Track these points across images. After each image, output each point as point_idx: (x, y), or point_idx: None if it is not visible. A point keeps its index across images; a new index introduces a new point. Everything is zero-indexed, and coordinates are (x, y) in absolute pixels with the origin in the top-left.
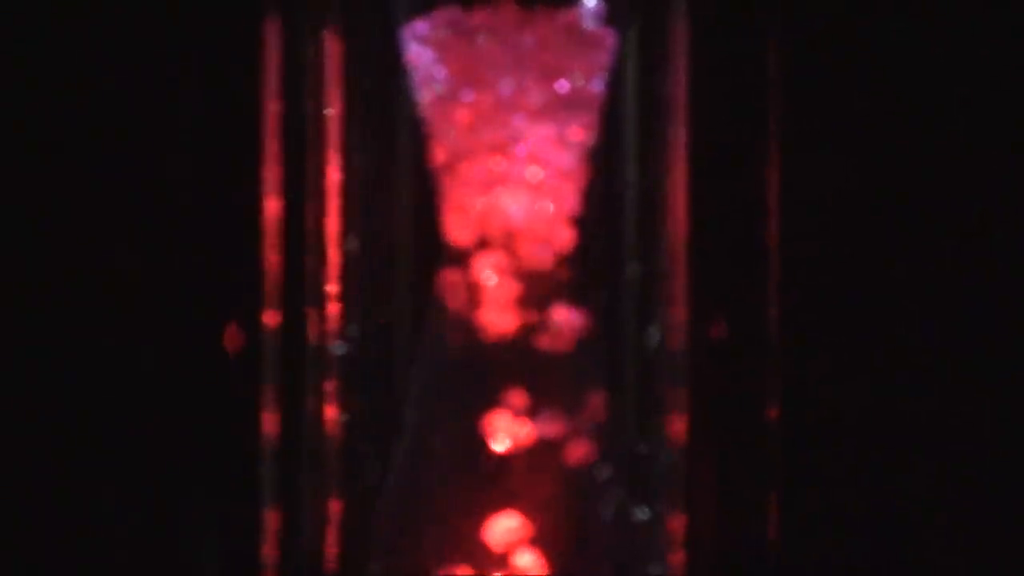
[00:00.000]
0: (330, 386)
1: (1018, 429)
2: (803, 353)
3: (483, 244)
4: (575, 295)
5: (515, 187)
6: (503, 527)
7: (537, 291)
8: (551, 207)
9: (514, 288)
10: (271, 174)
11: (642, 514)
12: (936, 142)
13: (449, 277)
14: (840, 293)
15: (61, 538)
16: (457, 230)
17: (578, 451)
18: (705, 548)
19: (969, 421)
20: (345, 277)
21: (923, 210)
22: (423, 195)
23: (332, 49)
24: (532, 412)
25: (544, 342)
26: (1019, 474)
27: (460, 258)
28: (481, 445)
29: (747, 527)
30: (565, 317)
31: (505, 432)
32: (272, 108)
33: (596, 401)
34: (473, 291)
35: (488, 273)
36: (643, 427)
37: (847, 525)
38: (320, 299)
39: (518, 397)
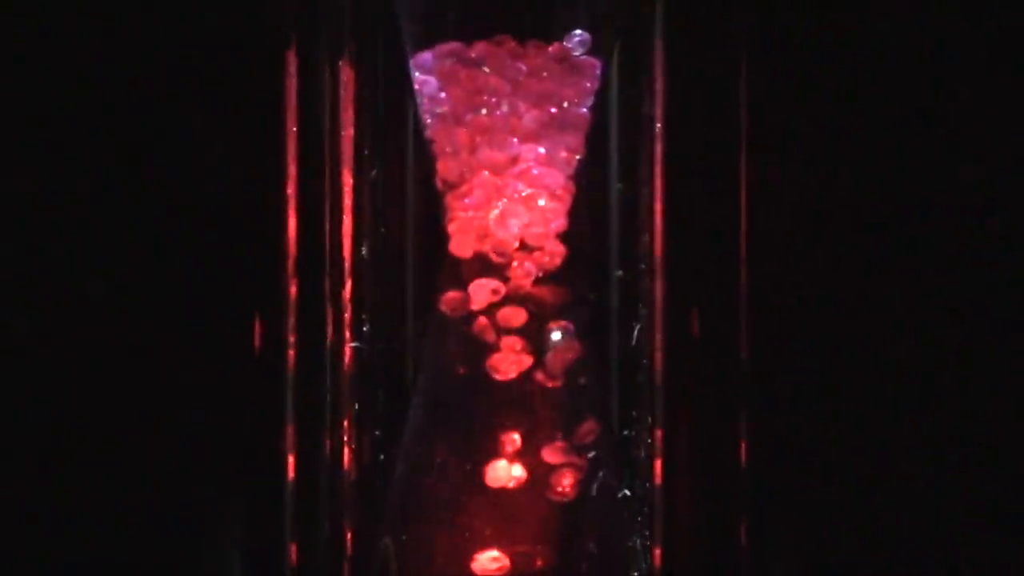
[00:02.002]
0: (347, 422)
1: (996, 441)
2: (774, 353)
3: (484, 265)
4: (566, 312)
5: (512, 204)
6: (488, 558)
7: (534, 312)
8: (544, 224)
9: (512, 309)
10: (290, 190)
11: (624, 493)
12: (908, 157)
13: (450, 295)
14: (811, 301)
15: (76, 561)
16: (460, 245)
17: (571, 481)
18: (682, 524)
19: (944, 429)
20: (358, 284)
21: (895, 223)
22: (431, 210)
23: (346, 77)
24: (530, 442)
25: (541, 367)
26: (999, 489)
27: (462, 278)
28: (477, 475)
29: (720, 513)
30: (559, 344)
31: (503, 476)
32: (292, 130)
33: (588, 427)
34: (474, 311)
35: (487, 294)
36: (625, 415)
37: (817, 523)
38: (338, 305)
39: (516, 424)
